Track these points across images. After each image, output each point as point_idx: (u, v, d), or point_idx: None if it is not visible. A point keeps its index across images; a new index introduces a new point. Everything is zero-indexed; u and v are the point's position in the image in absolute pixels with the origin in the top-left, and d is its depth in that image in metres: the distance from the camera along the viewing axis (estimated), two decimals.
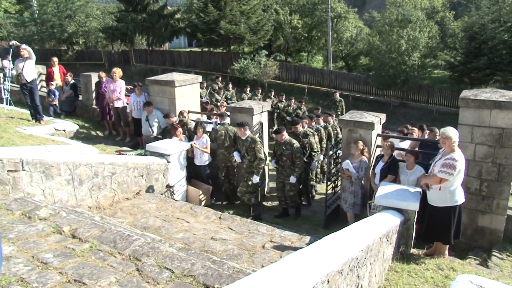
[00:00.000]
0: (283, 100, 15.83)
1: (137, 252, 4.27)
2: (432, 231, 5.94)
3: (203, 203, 8.73)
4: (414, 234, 5.88)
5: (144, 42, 35.93)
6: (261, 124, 9.07)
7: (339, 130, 10.59)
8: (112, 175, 7.32)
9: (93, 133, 11.63)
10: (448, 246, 6.06)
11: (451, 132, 5.56)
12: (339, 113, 15.09)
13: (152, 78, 10.45)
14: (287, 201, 8.53)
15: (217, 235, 6.12)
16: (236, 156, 8.55)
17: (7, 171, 5.84)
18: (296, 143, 8.17)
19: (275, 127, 9.78)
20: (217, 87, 16.48)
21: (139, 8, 32.54)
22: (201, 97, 15.08)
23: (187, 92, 10.20)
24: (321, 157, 9.59)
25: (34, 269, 3.81)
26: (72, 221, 4.98)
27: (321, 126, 10.17)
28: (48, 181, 6.36)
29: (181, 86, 9.97)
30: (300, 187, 8.91)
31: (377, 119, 7.71)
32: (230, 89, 16.91)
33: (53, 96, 12.27)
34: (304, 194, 9.25)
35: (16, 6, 47.99)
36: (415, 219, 5.75)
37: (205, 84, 16.28)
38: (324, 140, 9.82)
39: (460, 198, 5.69)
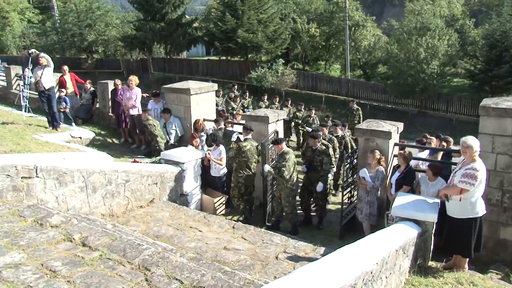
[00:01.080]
0: (302, 110, 15.65)
1: (147, 261, 4.21)
2: (451, 243, 5.74)
3: (218, 211, 8.64)
4: (432, 247, 5.70)
5: (162, 51, 36.27)
6: (276, 132, 8.97)
7: (349, 140, 10.38)
8: (126, 183, 7.29)
9: (109, 140, 11.69)
10: (468, 259, 5.84)
11: (472, 141, 5.38)
12: (356, 122, 14.89)
13: (168, 86, 10.48)
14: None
15: (230, 245, 6.02)
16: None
17: (21, 177, 5.84)
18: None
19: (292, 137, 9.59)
20: (233, 95, 16.47)
21: (157, 17, 32.86)
22: (217, 105, 15.08)
23: (203, 100, 10.18)
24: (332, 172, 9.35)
25: (42, 277, 3.77)
26: (83, 229, 4.94)
27: (336, 135, 9.98)
28: (61, 188, 6.35)
29: (197, 94, 9.96)
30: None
31: (395, 128, 7.55)
32: (247, 97, 16.88)
33: (64, 104, 12.36)
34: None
35: (39, 16, 49.15)
36: (433, 231, 5.57)
37: (221, 92, 16.28)
38: (338, 150, 9.63)
39: (481, 209, 5.49)
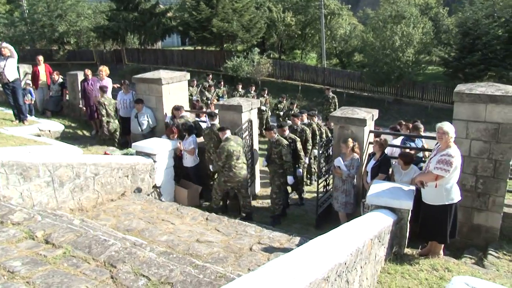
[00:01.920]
0: (283, 101, 15.51)
1: (113, 258, 4.01)
2: (427, 230, 5.70)
3: (191, 203, 8.46)
4: (408, 234, 5.65)
5: (136, 41, 35.58)
6: (250, 121, 8.81)
7: (323, 129, 10.26)
8: (95, 176, 7.04)
9: (80, 132, 11.35)
10: (443, 245, 5.83)
11: (448, 127, 5.32)
12: (332, 110, 14.83)
13: (139, 76, 10.18)
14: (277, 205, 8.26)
15: (203, 237, 5.86)
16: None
17: None
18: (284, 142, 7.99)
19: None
20: (207, 85, 16.19)
21: (130, 6, 32.19)
22: (191, 95, 14.82)
23: (175, 90, 9.92)
24: (306, 159, 9.31)
25: None
26: (46, 225, 4.70)
27: (304, 124, 9.71)
28: (26, 183, 6.07)
29: (168, 84, 9.69)
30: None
31: (369, 115, 7.46)
32: (222, 87, 16.62)
33: (29, 95, 11.97)
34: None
35: (6, 6, 47.54)
36: (409, 218, 5.52)
37: (195, 82, 16.01)
38: (310, 141, 9.47)
39: (456, 196, 5.46)
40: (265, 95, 16.10)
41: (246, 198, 8.16)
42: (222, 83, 17.15)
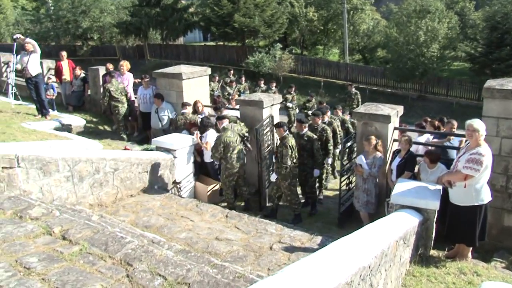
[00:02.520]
0: (312, 100, 15.29)
1: (129, 256, 3.93)
2: (454, 232, 5.47)
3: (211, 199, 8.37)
4: (434, 235, 5.43)
5: (158, 37, 35.71)
6: (272, 117, 8.65)
7: (349, 125, 10.02)
8: (115, 171, 7.01)
9: (101, 127, 11.36)
10: (471, 248, 5.59)
11: (478, 124, 5.08)
12: (355, 106, 14.58)
13: (160, 71, 10.12)
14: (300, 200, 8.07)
15: (222, 235, 5.76)
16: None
17: (2, 167, 5.57)
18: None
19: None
20: (229, 80, 16.07)
21: (152, 2, 32.30)
22: (212, 90, 14.72)
23: (196, 85, 9.83)
24: (329, 160, 9.01)
25: (15, 275, 3.49)
26: (64, 221, 4.66)
27: (324, 123, 9.23)
28: (46, 178, 6.08)
29: (189, 79, 9.61)
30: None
31: (394, 111, 7.22)
32: (243, 82, 16.46)
33: (51, 90, 12.08)
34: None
35: (33, 3, 48.39)
36: (435, 219, 5.30)
37: (216, 78, 15.88)
38: (331, 140, 8.98)
39: (486, 196, 5.21)
40: (292, 92, 15.82)
41: (242, 187, 8.09)
42: (244, 78, 17.01)
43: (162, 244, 4.77)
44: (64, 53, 12.91)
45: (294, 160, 7.56)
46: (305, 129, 8.13)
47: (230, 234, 5.83)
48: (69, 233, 4.36)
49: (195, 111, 9.19)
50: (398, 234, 4.27)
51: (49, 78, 12.39)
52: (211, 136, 8.24)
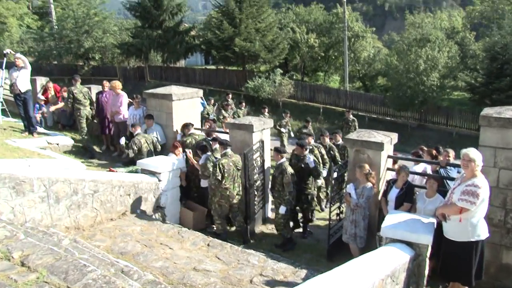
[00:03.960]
0: (309, 127, 14.96)
1: (89, 287, 3.58)
2: (449, 269, 5.10)
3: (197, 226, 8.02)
4: (427, 271, 5.07)
5: (159, 59, 35.81)
6: (262, 142, 8.37)
7: (336, 153, 9.69)
8: (94, 193, 6.69)
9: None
10: (467, 287, 5.21)
11: (475, 153, 4.76)
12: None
13: (150, 91, 9.91)
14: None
15: (201, 265, 5.40)
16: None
17: None
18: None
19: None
20: (225, 103, 15.79)
21: (155, 24, 32.47)
22: (208, 114, 14.47)
23: (186, 107, 9.58)
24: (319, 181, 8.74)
25: None
26: (27, 245, 4.32)
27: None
28: (18, 198, 5.75)
29: (179, 100, 9.37)
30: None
31: (388, 138, 6.94)
32: (243, 107, 16.02)
33: (45, 109, 12.04)
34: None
35: (38, 22, 48.81)
36: (428, 255, 4.94)
37: (212, 101, 15.63)
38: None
39: (483, 232, 4.86)
40: (286, 117, 15.51)
41: (236, 217, 7.80)
42: (244, 103, 16.62)
43: (132, 274, 4.41)
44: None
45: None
46: (306, 152, 7.97)
47: (209, 264, 5.47)
48: (29, 259, 4.02)
49: (184, 135, 8.92)
50: (385, 271, 3.92)
51: (39, 99, 12.23)
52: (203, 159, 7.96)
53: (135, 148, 8.70)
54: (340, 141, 10.42)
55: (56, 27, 38.00)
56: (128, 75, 36.05)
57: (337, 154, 9.58)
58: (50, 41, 37.81)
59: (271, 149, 8.76)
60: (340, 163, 9.05)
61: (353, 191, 6.66)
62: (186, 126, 8.78)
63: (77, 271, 3.83)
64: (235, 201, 7.53)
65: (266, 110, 15.95)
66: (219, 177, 7.24)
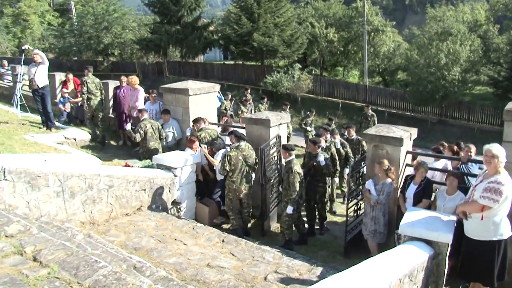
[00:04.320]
0: (332, 125, 14.77)
1: (99, 283, 3.54)
2: (469, 269, 4.93)
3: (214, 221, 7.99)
4: (447, 270, 4.90)
5: (177, 54, 35.92)
6: (279, 137, 8.26)
7: (348, 149, 9.51)
8: (109, 188, 6.67)
9: (107, 142, 11.10)
10: None
11: (498, 149, 4.57)
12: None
13: (166, 86, 9.88)
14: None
15: (215, 262, 5.33)
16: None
17: None
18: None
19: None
20: (244, 99, 15.69)
21: (173, 20, 32.55)
22: (225, 109, 14.43)
23: (203, 102, 9.52)
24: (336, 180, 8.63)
25: None
26: (39, 240, 4.31)
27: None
28: (34, 193, 5.76)
29: (196, 95, 9.30)
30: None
31: (407, 134, 6.75)
32: (264, 103, 15.86)
33: (68, 104, 12.12)
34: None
35: (59, 19, 49.46)
36: (447, 253, 4.78)
37: (229, 96, 15.53)
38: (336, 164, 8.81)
39: (506, 231, 4.67)
40: (312, 116, 15.24)
41: (244, 209, 7.68)
42: (266, 99, 16.46)
43: (144, 270, 4.37)
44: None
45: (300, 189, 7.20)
46: (319, 150, 7.83)
47: (224, 261, 5.40)
48: (41, 254, 4.01)
49: (195, 129, 8.86)
50: (403, 271, 3.79)
51: (63, 92, 12.36)
52: (219, 154, 7.90)
53: (142, 132, 8.83)
54: (354, 136, 10.25)
55: (76, 23, 38.46)
56: (147, 70, 36.23)
57: (349, 150, 9.37)
58: (70, 38, 38.28)
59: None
60: (351, 158, 8.92)
61: (372, 187, 6.51)
62: (197, 121, 8.69)
63: (88, 267, 3.80)
64: (242, 196, 7.45)
65: (288, 107, 15.70)
66: (227, 168, 7.26)
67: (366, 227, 6.66)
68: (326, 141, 8.71)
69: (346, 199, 7.55)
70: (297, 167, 7.12)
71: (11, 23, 46.19)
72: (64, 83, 12.87)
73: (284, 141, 8.39)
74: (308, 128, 14.86)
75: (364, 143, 9.94)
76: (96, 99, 10.93)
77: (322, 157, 7.75)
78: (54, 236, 4.75)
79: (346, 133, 10.38)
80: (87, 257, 3.98)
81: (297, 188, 7.02)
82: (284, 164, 7.52)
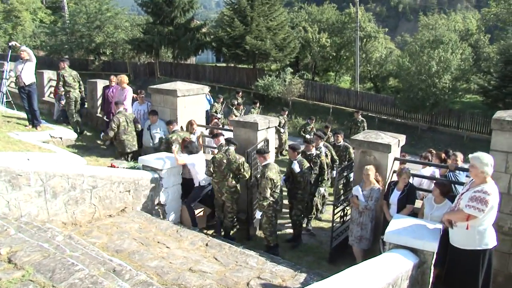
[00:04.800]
0: (311, 124, 14.72)
1: (74, 287, 3.44)
2: (454, 278, 4.88)
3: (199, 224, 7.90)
4: (432, 279, 4.86)
5: (170, 55, 35.79)
6: (267, 141, 8.19)
7: (332, 153, 9.37)
8: (93, 189, 6.55)
9: (92, 143, 10.95)
10: None
11: (483, 158, 4.53)
12: None
13: (155, 86, 9.76)
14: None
15: (197, 266, 5.23)
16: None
17: None
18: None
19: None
20: (236, 102, 15.57)
21: (166, 21, 32.44)
22: (216, 112, 14.33)
23: (191, 103, 9.43)
24: (322, 190, 8.44)
25: None
26: (16, 241, 4.20)
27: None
28: (14, 192, 5.63)
29: (184, 96, 9.21)
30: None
31: (395, 140, 6.72)
32: (257, 107, 15.65)
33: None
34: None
35: (51, 17, 49.11)
36: (433, 262, 4.73)
37: (221, 99, 15.44)
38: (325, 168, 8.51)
39: (491, 240, 4.63)
40: (312, 124, 14.93)
41: (228, 213, 7.68)
42: (258, 103, 16.32)
43: (124, 274, 4.27)
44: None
45: (275, 195, 7.03)
46: (298, 156, 7.63)
47: (206, 265, 5.30)
48: (17, 256, 3.91)
49: (190, 132, 8.78)
50: (386, 279, 3.73)
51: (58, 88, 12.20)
52: (188, 157, 7.69)
53: (114, 126, 8.95)
54: (342, 142, 10.19)
55: (68, 21, 38.19)
56: (139, 71, 36.08)
57: (333, 153, 9.18)
58: (62, 36, 38.03)
59: (275, 148, 8.58)
60: (336, 164, 8.85)
61: (360, 193, 6.46)
62: (170, 123, 8.75)
63: (64, 269, 3.70)
64: (223, 198, 7.53)
65: (286, 113, 15.53)
66: (211, 169, 7.40)
67: (352, 233, 6.60)
68: (317, 149, 8.49)
69: (333, 204, 7.45)
70: (271, 173, 6.94)
71: (2, 19, 45.76)
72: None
73: (272, 145, 8.32)
74: (281, 130, 14.74)
75: (351, 150, 9.89)
76: (75, 92, 10.94)
77: (296, 165, 7.49)
78: (32, 237, 4.64)
79: (333, 139, 10.33)
80: (64, 259, 3.88)
81: (267, 194, 6.88)
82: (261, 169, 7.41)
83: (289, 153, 7.88)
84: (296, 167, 7.50)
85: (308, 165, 7.70)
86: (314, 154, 8.23)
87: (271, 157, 7.39)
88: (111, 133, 8.94)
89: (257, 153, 7.32)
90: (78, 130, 11.08)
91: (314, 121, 15.37)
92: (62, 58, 37.29)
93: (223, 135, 8.50)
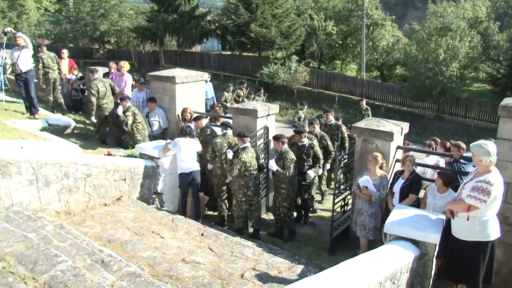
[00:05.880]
0: (304, 109, 14.30)
1: (55, 279, 3.30)
2: (455, 269, 4.69)
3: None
4: (433, 271, 4.67)
5: (174, 43, 35.47)
6: (267, 128, 7.99)
7: (328, 142, 8.70)
8: (87, 177, 6.41)
9: (92, 130, 10.79)
10: None
11: (482, 145, 4.31)
12: None
13: (153, 73, 9.57)
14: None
15: (191, 257, 5.08)
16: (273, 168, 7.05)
17: None
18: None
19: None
20: (241, 93, 15.30)
21: (170, 8, 32.03)
22: (225, 101, 14.14)
23: (190, 90, 9.23)
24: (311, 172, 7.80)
25: None
26: (0, 231, 4.05)
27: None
28: (4, 180, 5.50)
29: (183, 83, 9.01)
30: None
31: (398, 128, 6.50)
32: (262, 95, 15.48)
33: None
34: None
35: (56, 6, 48.84)
36: (435, 254, 4.54)
37: (231, 88, 15.13)
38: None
39: (494, 232, 4.43)
40: (304, 109, 14.20)
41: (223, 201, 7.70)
42: (263, 91, 16.01)
43: (112, 265, 4.13)
44: (65, 51, 12.64)
45: (246, 179, 6.99)
46: (284, 146, 7.11)
47: (200, 256, 5.15)
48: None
49: (184, 119, 8.57)
50: (384, 273, 3.55)
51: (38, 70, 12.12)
52: (180, 142, 7.32)
53: (94, 91, 9.17)
54: (333, 121, 9.82)
55: (73, 10, 37.90)
56: (143, 59, 35.81)
57: (329, 143, 8.65)
58: (66, 24, 37.70)
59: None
60: (332, 152, 8.54)
61: (370, 183, 6.24)
62: (123, 99, 8.96)
63: (47, 261, 3.56)
64: (227, 181, 7.45)
65: (305, 106, 14.66)
66: (212, 155, 7.37)
67: (365, 225, 6.39)
68: (309, 138, 7.82)
69: (333, 194, 7.21)
70: (246, 155, 6.85)
71: (7, 8, 45.51)
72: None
73: (272, 133, 8.12)
74: (296, 125, 14.20)
75: (343, 128, 9.59)
76: (54, 73, 11.03)
77: (272, 163, 7.08)
78: (19, 227, 4.51)
79: (324, 118, 10.00)
80: (47, 250, 3.73)
81: (234, 174, 6.87)
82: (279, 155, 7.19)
83: (274, 143, 7.41)
84: (272, 166, 7.06)
85: (294, 158, 7.10)
86: (306, 145, 7.65)
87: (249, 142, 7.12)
88: (93, 99, 9.17)
89: (237, 135, 7.12)
90: (55, 111, 11.24)
91: (305, 106, 14.68)
92: (66, 46, 37.30)
93: (205, 118, 8.55)
